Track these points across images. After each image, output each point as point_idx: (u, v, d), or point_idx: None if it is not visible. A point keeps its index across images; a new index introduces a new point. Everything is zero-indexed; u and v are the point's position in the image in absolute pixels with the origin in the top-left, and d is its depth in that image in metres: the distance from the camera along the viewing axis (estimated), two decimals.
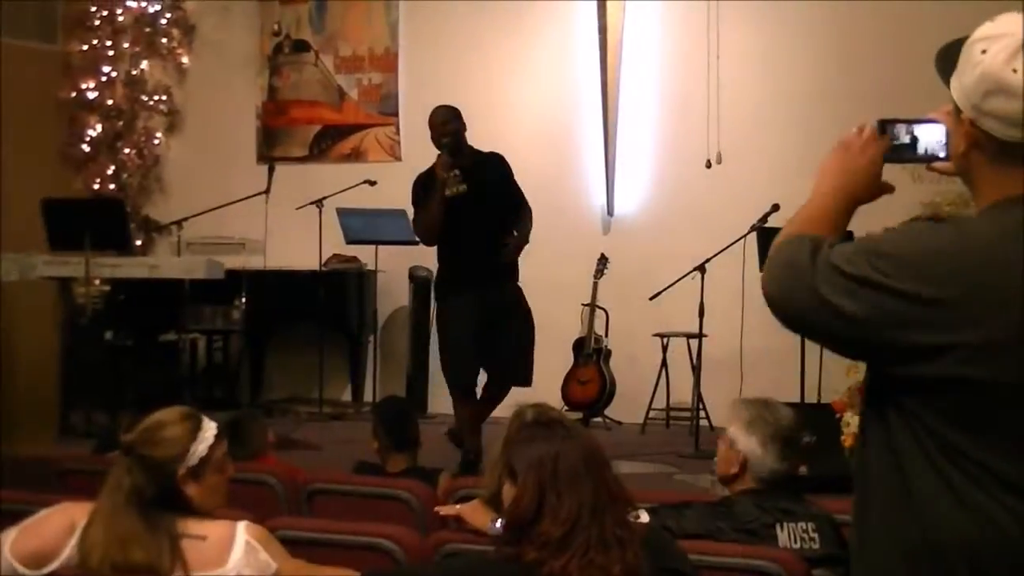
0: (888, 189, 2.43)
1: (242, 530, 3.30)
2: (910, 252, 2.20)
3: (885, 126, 2.40)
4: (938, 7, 9.01)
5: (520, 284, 8.30)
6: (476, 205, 8.00)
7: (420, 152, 11.22)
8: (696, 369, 9.28)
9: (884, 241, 2.23)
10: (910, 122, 2.39)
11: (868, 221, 2.63)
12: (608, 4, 10.53)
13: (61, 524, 3.32)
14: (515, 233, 8.15)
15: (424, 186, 8.15)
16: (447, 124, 8.11)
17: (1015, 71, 2.17)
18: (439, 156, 8.07)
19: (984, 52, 2.20)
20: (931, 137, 2.37)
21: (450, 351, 8.23)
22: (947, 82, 2.29)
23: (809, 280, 2.23)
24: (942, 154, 2.36)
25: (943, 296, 2.15)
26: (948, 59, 2.29)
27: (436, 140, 8.14)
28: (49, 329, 10.11)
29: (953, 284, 2.15)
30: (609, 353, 10.17)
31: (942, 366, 2.15)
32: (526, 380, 8.11)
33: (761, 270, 2.43)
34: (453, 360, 8.19)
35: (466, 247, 8.07)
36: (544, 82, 10.93)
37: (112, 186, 11.96)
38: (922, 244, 2.21)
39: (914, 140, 2.39)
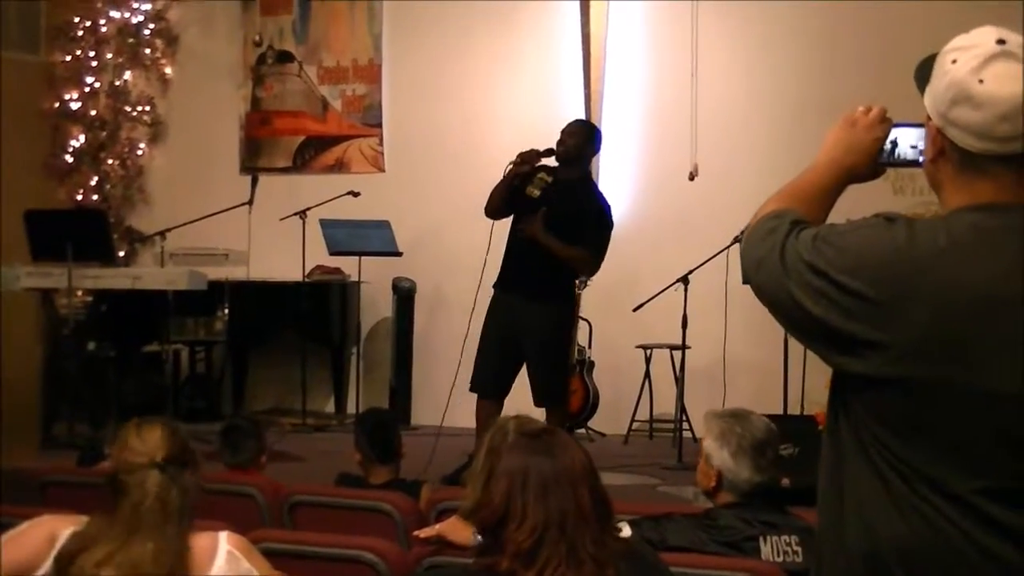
0: (882, 171, 2.49)
1: (224, 540, 3.28)
2: (852, 246, 2.23)
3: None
4: (920, 21, 9.06)
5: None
6: (544, 217, 7.81)
7: (404, 163, 11.29)
8: (679, 380, 9.29)
9: (834, 231, 2.27)
10: (897, 125, 2.47)
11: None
12: (591, 15, 10.55)
13: (41, 537, 3.30)
14: (566, 247, 7.85)
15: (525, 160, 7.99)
16: (571, 135, 8.03)
17: (981, 81, 2.19)
18: (539, 151, 7.97)
19: (954, 62, 2.23)
20: (907, 141, 2.45)
21: (478, 347, 8.08)
22: (921, 91, 2.32)
23: (778, 266, 2.28)
24: (918, 159, 2.42)
25: (873, 294, 2.18)
26: (924, 70, 2.32)
27: (557, 144, 8.01)
28: (31, 340, 10.08)
29: (885, 284, 2.18)
30: (592, 364, 10.18)
31: (873, 364, 2.19)
32: (545, 399, 7.95)
33: (744, 282, 2.46)
34: (477, 356, 8.06)
35: (519, 250, 7.94)
36: (527, 93, 10.94)
37: (95, 197, 11.95)
38: (865, 240, 2.23)
39: (894, 142, 2.45)
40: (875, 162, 2.48)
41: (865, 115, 2.48)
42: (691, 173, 10.07)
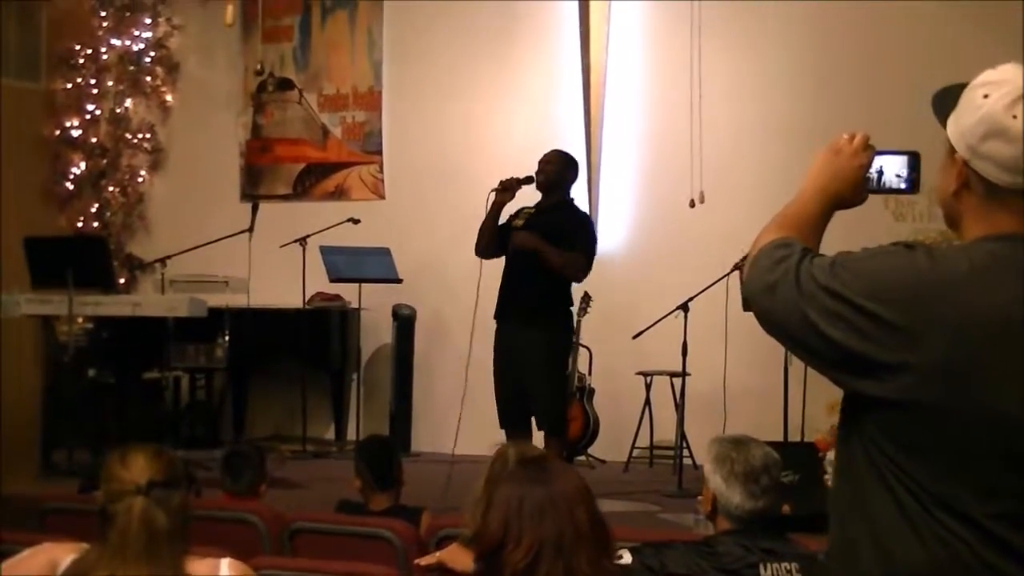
0: (864, 199, 2.50)
1: (225, 567, 3.27)
2: (872, 271, 2.25)
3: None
4: (922, 46, 9.09)
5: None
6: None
7: (404, 190, 11.31)
8: (679, 407, 9.27)
9: (851, 257, 2.29)
10: (881, 153, 2.49)
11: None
12: (591, 42, 10.58)
13: (42, 564, 3.30)
14: (559, 252, 8.05)
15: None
16: (548, 163, 8.34)
17: (1015, 117, 2.22)
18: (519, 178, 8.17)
19: (986, 97, 2.25)
20: (893, 169, 2.48)
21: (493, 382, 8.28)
22: (943, 122, 2.34)
23: (793, 291, 2.29)
24: (902, 186, 2.47)
25: (893, 318, 2.19)
26: (945, 100, 2.34)
27: (536, 173, 8.27)
28: (32, 367, 10.08)
29: (905, 308, 2.19)
30: (592, 391, 10.17)
31: (891, 388, 2.20)
32: (544, 425, 8.15)
33: (745, 309, 2.47)
34: (495, 391, 8.24)
35: (512, 281, 8.14)
36: (527, 120, 10.96)
37: (96, 224, 11.97)
38: (883, 265, 2.26)
39: (880, 170, 2.47)
40: (860, 189, 2.50)
41: (849, 143, 2.50)
42: (692, 200, 10.07)
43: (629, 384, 10.04)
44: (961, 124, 2.28)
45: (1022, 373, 2.16)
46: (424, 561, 3.83)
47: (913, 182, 2.51)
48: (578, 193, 10.56)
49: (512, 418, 8.09)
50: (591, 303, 10.03)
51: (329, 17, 11.75)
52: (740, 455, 4.04)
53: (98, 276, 9.45)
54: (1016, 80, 2.25)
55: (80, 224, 11.96)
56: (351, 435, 10.75)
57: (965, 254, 2.24)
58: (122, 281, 11.44)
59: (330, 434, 11.21)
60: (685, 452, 9.23)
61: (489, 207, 8.13)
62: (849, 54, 10.00)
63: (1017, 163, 2.22)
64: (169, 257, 10.26)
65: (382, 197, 11.48)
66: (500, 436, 7.92)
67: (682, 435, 9.27)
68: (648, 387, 9.91)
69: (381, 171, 11.52)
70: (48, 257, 9.27)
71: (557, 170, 8.31)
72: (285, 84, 11.90)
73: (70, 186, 11.99)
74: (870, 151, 2.49)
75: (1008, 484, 2.17)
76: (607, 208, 10.61)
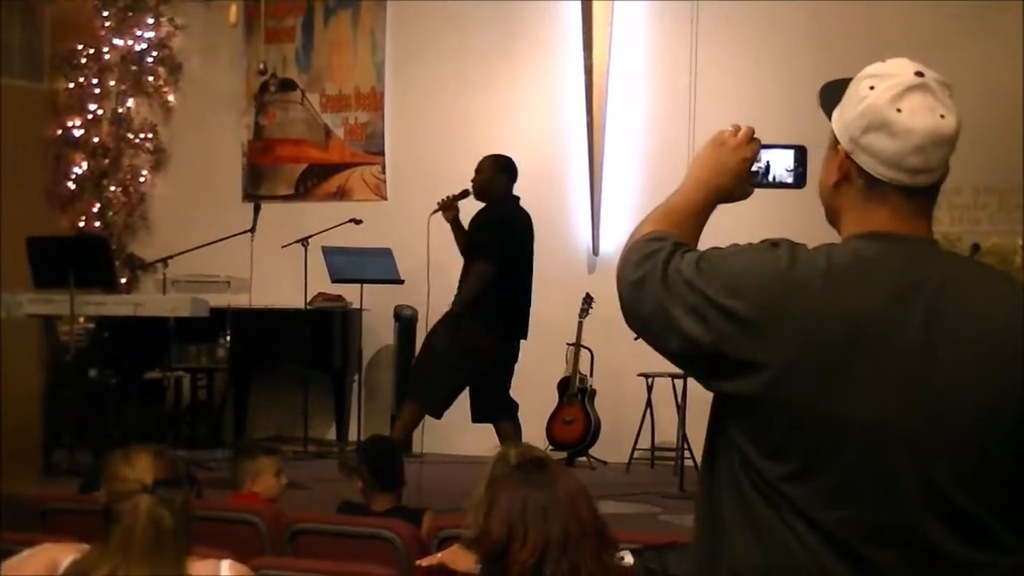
0: (749, 193, 2.50)
1: (226, 568, 3.27)
2: (734, 268, 2.22)
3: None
4: (932, 52, 9.07)
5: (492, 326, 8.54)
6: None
7: (406, 191, 11.31)
8: (681, 409, 9.27)
9: (717, 254, 2.27)
10: (768, 147, 2.47)
11: None
12: (594, 46, 10.58)
13: (43, 565, 3.29)
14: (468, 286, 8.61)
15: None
16: (478, 172, 8.79)
17: (899, 111, 2.19)
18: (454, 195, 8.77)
19: (872, 88, 2.23)
20: (781, 163, 2.46)
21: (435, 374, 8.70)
22: (828, 114, 2.32)
23: (659, 286, 2.27)
24: (789, 180, 2.45)
25: (749, 315, 2.16)
26: (833, 93, 2.33)
27: (471, 183, 8.79)
28: (33, 367, 10.08)
29: (760, 306, 2.16)
30: (594, 393, 10.17)
31: (744, 385, 2.17)
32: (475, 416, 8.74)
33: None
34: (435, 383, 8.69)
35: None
36: (530, 122, 10.96)
37: (98, 224, 11.96)
38: (744, 262, 2.23)
39: (768, 165, 2.45)
40: (745, 182, 2.48)
41: (734, 135, 2.48)
42: None
43: (631, 386, 10.03)
44: (845, 115, 2.26)
45: (871, 377, 2.12)
46: (425, 562, 3.83)
47: (800, 176, 2.48)
48: (581, 194, 10.62)
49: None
50: (593, 304, 10.04)
51: (332, 18, 11.75)
52: None
53: (100, 276, 9.46)
54: (903, 74, 2.22)
55: (82, 224, 11.95)
56: (352, 436, 10.74)
57: (827, 252, 2.21)
58: (123, 281, 11.44)
59: (331, 435, 11.21)
60: (687, 454, 9.22)
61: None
62: (849, 62, 9.95)
63: (898, 157, 2.19)
64: (171, 257, 10.27)
65: (384, 198, 11.48)
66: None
67: (684, 437, 9.27)
68: (650, 389, 9.90)
69: (383, 172, 11.52)
70: (50, 257, 9.27)
71: (486, 176, 8.73)
72: (287, 85, 11.89)
73: (72, 186, 11.99)
74: (755, 144, 2.47)
75: (855, 488, 2.13)
76: (610, 209, 10.61)
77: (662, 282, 2.27)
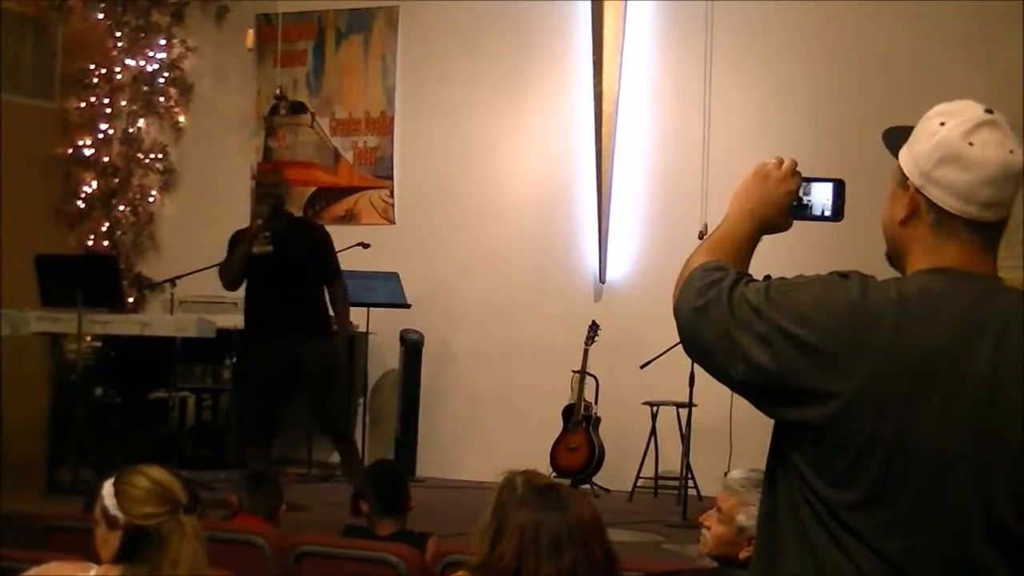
0: (789, 225, 2.52)
1: None
2: (804, 297, 2.24)
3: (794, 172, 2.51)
4: (936, 82, 9.09)
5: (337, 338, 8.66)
6: (282, 267, 8.35)
7: (414, 215, 11.33)
8: (685, 438, 9.27)
9: (786, 283, 2.29)
10: (808, 180, 2.50)
11: None
12: (603, 72, 10.60)
13: None
14: (337, 308, 8.57)
15: (237, 238, 8.53)
16: (276, 187, 8.68)
17: (971, 144, 2.23)
18: (256, 211, 8.60)
19: (942, 124, 2.26)
20: (822, 196, 2.49)
21: (247, 403, 8.78)
22: (894, 153, 2.34)
23: (725, 313, 2.28)
24: (828, 213, 2.48)
25: (820, 344, 2.18)
26: (895, 135, 2.36)
27: (260, 197, 8.67)
28: (39, 385, 10.08)
29: (832, 336, 2.18)
30: (598, 420, 10.16)
31: (813, 415, 2.19)
32: (337, 433, 8.87)
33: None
34: (249, 412, 8.73)
35: (269, 304, 8.41)
36: (539, 148, 10.99)
37: (106, 243, 11.99)
38: (817, 292, 2.25)
39: (810, 199, 2.50)
40: (786, 215, 2.50)
41: (777, 168, 2.51)
42: (701, 231, 10.06)
43: (635, 414, 10.02)
44: (915, 151, 2.28)
45: (942, 407, 2.15)
46: None
47: (838, 210, 2.50)
48: (588, 221, 10.63)
49: (264, 436, 8.68)
50: (599, 332, 10.04)
51: (343, 42, 11.79)
52: None
53: (107, 295, 9.46)
54: (973, 111, 2.26)
55: (90, 243, 11.99)
56: None
57: (898, 285, 2.24)
58: (131, 301, 11.46)
59: (336, 458, 11.18)
60: (690, 483, 9.21)
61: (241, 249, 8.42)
62: (868, 86, 10.00)
63: (970, 189, 2.22)
64: (179, 277, 10.29)
65: (392, 222, 11.49)
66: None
67: (687, 466, 9.26)
68: (654, 417, 9.89)
69: (391, 196, 11.54)
70: (58, 275, 9.29)
71: (281, 193, 8.76)
72: (297, 108, 11.92)
73: (81, 205, 12.03)
74: (797, 177, 2.50)
75: (922, 518, 2.15)
76: (617, 237, 10.61)
77: (728, 309, 2.28)
